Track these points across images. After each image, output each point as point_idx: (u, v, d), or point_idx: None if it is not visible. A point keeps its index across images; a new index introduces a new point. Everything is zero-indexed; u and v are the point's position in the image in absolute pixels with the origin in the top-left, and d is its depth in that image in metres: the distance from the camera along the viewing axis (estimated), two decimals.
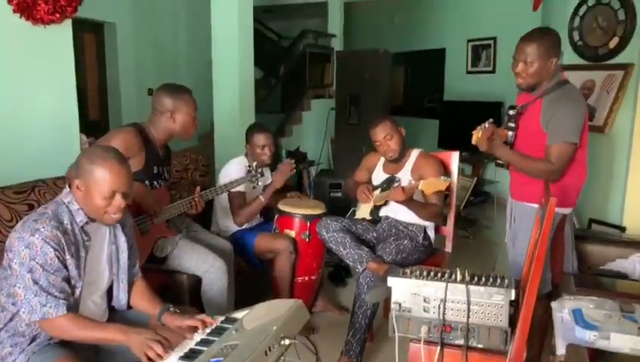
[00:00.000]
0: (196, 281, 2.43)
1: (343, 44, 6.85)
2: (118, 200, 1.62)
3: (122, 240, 1.80)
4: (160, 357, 1.48)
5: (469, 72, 6.59)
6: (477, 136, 2.20)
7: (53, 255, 1.54)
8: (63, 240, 1.56)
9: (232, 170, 2.87)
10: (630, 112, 3.57)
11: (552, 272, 2.24)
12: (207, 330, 1.67)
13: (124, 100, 5.56)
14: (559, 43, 2.19)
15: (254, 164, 2.75)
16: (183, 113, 2.37)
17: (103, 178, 1.58)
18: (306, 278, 2.95)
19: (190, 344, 1.60)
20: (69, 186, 1.67)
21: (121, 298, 1.84)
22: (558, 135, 2.10)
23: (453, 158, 2.84)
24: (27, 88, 2.50)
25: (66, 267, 1.58)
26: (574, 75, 2.28)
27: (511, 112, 2.31)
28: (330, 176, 4.82)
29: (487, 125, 2.21)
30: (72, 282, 1.61)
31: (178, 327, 1.68)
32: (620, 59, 3.73)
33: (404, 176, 2.70)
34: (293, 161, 3.00)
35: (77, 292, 1.63)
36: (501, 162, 2.40)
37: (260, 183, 2.77)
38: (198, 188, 2.51)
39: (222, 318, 1.75)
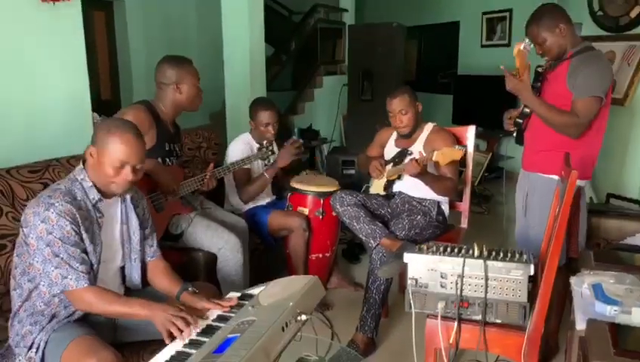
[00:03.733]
0: (212, 258, 2.44)
1: (355, 18, 6.72)
2: (127, 173, 1.62)
3: (134, 220, 1.80)
4: (181, 333, 1.49)
5: (483, 46, 6.46)
6: (519, 47, 2.18)
7: (70, 228, 1.55)
8: (77, 215, 1.57)
9: (237, 149, 2.86)
10: None
11: (568, 245, 2.22)
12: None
13: (135, 79, 5.54)
14: (556, 11, 2.23)
15: (264, 141, 2.72)
16: (188, 83, 2.37)
17: (115, 147, 1.59)
18: (320, 255, 2.95)
19: (207, 320, 1.60)
20: (83, 163, 1.67)
21: (134, 278, 1.85)
22: (585, 90, 2.10)
23: (470, 132, 2.80)
24: (38, 67, 2.48)
25: (82, 241, 1.59)
26: (595, 46, 2.24)
27: (539, 69, 2.31)
28: (343, 153, 4.79)
29: (528, 45, 2.19)
30: (88, 257, 1.62)
31: (195, 309, 1.68)
32: None
33: (417, 150, 2.65)
34: (299, 141, 2.94)
35: (94, 267, 1.64)
36: (520, 120, 2.35)
37: (271, 160, 2.76)
38: (212, 164, 2.52)
39: (238, 294, 1.75)
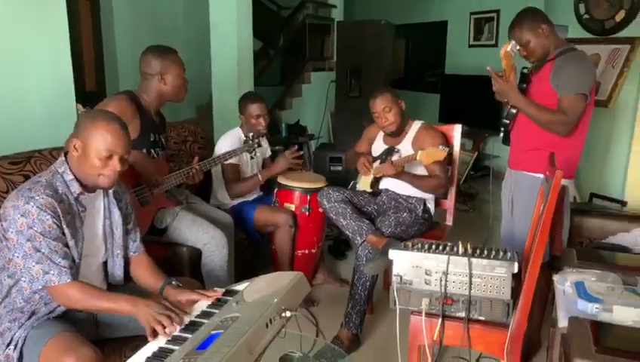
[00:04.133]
0: (196, 253, 2.42)
1: (344, 15, 6.71)
2: (115, 163, 1.60)
3: (117, 215, 1.77)
4: (166, 333, 1.47)
5: (471, 46, 6.49)
6: (506, 49, 2.20)
7: (51, 222, 1.52)
8: (58, 209, 1.54)
9: (226, 143, 2.84)
10: (635, 87, 3.53)
11: (551, 243, 2.24)
12: (208, 302, 1.66)
13: (121, 70, 5.47)
14: (537, 12, 2.29)
15: (251, 134, 2.71)
16: (173, 74, 2.34)
17: (102, 138, 1.56)
18: (306, 251, 2.95)
19: (191, 316, 1.59)
20: (65, 155, 1.64)
21: (116, 274, 1.82)
22: (570, 87, 2.13)
23: (456, 131, 2.81)
24: (20, 57, 2.43)
25: (64, 235, 1.56)
26: (580, 49, 2.28)
27: (525, 70, 2.33)
28: (331, 150, 4.78)
29: (515, 47, 2.20)
30: (70, 252, 1.59)
31: (179, 301, 1.67)
32: (626, 32, 3.66)
33: (405, 148, 2.67)
34: (300, 153, 2.96)
35: (76, 262, 1.61)
36: (507, 121, 2.37)
37: (257, 154, 2.74)
38: (197, 157, 2.49)
39: (222, 290, 1.74)
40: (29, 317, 1.59)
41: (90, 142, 1.57)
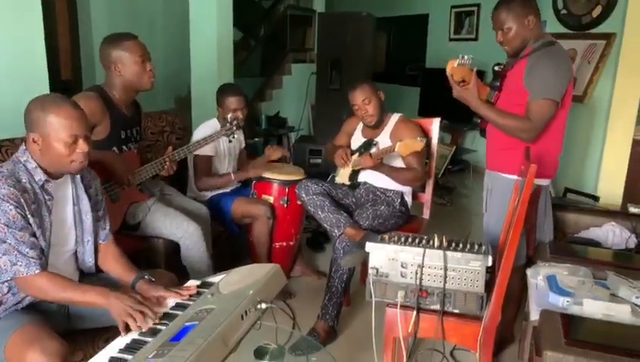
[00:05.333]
0: (172, 246, 2.39)
1: (325, 6, 6.68)
2: (82, 145, 1.56)
3: (85, 201, 1.73)
4: (139, 328, 1.44)
5: (451, 39, 6.53)
6: (452, 65, 2.09)
7: (15, 212, 1.48)
8: (22, 199, 1.50)
9: (203, 133, 2.80)
10: (609, 83, 3.60)
11: (528, 244, 2.27)
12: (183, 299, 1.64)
13: (97, 59, 5.36)
14: (529, 0, 2.14)
15: (229, 115, 2.66)
16: (128, 61, 2.20)
17: (61, 124, 1.52)
18: (284, 244, 2.94)
19: (166, 308, 1.57)
20: (25, 143, 1.59)
21: (87, 261, 1.78)
22: (539, 91, 2.04)
23: (434, 124, 2.83)
24: None
25: (29, 225, 1.52)
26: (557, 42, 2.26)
27: (497, 68, 2.27)
28: (310, 142, 4.77)
29: (466, 58, 2.07)
30: (38, 242, 1.55)
31: (151, 298, 1.64)
32: (602, 28, 3.73)
33: (383, 140, 2.68)
34: (288, 154, 2.96)
35: (44, 252, 1.58)
36: (478, 120, 2.33)
37: (235, 136, 2.68)
38: (170, 147, 2.42)
39: (198, 282, 1.73)
40: None
41: (49, 132, 1.52)
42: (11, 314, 1.56)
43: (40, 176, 1.57)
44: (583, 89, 3.76)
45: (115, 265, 1.80)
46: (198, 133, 2.83)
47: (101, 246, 1.83)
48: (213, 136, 2.60)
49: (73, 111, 1.55)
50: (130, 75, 2.24)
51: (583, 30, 3.84)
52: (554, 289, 1.67)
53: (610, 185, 3.54)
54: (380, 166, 2.55)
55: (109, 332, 1.65)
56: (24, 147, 1.59)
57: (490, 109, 2.16)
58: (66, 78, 5.27)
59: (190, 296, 1.63)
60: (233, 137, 2.67)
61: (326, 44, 4.91)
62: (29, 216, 1.52)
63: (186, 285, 1.72)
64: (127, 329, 1.46)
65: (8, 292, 1.57)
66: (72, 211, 1.72)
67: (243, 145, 3.14)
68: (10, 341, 1.45)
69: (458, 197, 5.08)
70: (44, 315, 1.59)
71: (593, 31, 3.78)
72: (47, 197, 1.60)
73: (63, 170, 1.61)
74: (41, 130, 1.53)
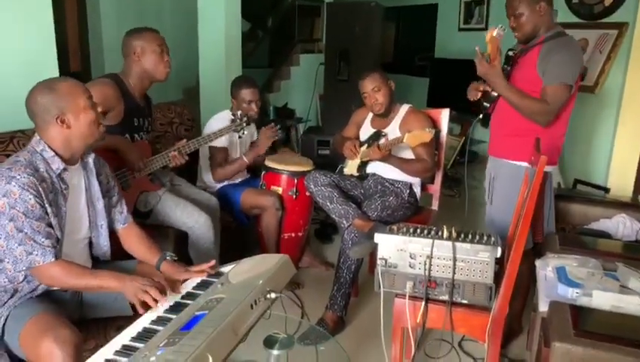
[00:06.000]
0: (183, 235, 2.41)
1: None
2: (98, 113, 1.66)
3: (96, 187, 1.76)
4: (155, 301, 1.48)
5: (460, 29, 6.46)
6: (492, 33, 2.12)
7: (34, 201, 1.50)
8: (40, 188, 1.52)
9: (216, 126, 2.81)
10: (621, 73, 3.55)
11: (534, 229, 2.26)
12: (199, 280, 1.67)
13: (106, 50, 5.37)
14: None
15: (239, 112, 2.67)
16: (147, 50, 2.30)
17: (78, 97, 1.59)
18: (293, 235, 2.95)
19: (176, 297, 1.59)
20: (38, 133, 1.61)
21: (102, 245, 1.81)
22: (555, 76, 2.08)
23: (443, 115, 2.82)
24: (2, 37, 2.38)
25: (46, 214, 1.55)
26: (568, 34, 2.24)
27: (510, 53, 2.28)
28: (319, 133, 4.77)
29: (502, 30, 2.11)
30: (53, 231, 1.57)
31: (175, 281, 1.67)
32: (614, 17, 3.68)
33: (392, 131, 2.67)
34: (277, 127, 2.93)
35: (59, 241, 1.60)
36: (487, 104, 2.34)
37: (245, 132, 2.70)
38: (184, 140, 2.45)
39: (214, 263, 1.75)
40: (12, 296, 1.58)
41: (73, 107, 1.57)
42: (25, 303, 1.58)
43: (58, 164, 1.59)
44: (594, 79, 3.72)
45: (138, 245, 1.84)
46: (211, 125, 2.84)
47: (123, 231, 1.86)
48: (223, 130, 2.61)
49: (76, 84, 1.63)
50: (149, 63, 2.31)
51: (594, 19, 3.79)
52: (563, 280, 1.67)
53: (621, 177, 3.50)
54: (388, 157, 2.55)
55: (120, 321, 1.68)
56: (38, 137, 1.61)
57: (511, 90, 2.17)
58: (74, 69, 5.29)
59: (201, 282, 1.66)
60: (243, 133, 2.69)
61: (334, 34, 4.89)
62: (46, 205, 1.54)
63: (201, 267, 1.74)
64: (145, 307, 1.48)
65: (23, 280, 1.59)
66: (85, 198, 1.74)
67: (255, 136, 3.15)
68: (25, 329, 1.48)
69: (467, 189, 5.05)
70: (58, 304, 1.61)
71: (605, 20, 3.73)
72: (63, 186, 1.62)
73: (93, 140, 1.65)
74: (66, 109, 1.57)
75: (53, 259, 1.52)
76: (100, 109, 1.67)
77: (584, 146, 3.83)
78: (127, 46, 2.32)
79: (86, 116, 1.60)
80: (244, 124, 2.64)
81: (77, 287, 1.62)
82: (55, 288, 1.65)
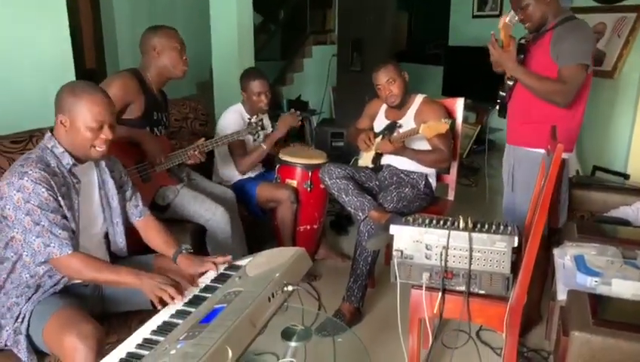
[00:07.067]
0: (200, 229, 2.44)
1: None
2: (106, 132, 1.61)
3: (110, 184, 1.79)
4: (172, 299, 1.50)
5: (474, 17, 6.38)
6: (504, 21, 2.11)
7: (47, 194, 1.52)
8: (52, 182, 1.55)
9: (229, 119, 2.83)
10: None
11: (550, 216, 2.24)
12: (215, 274, 1.69)
13: (120, 46, 5.42)
14: None
15: (254, 117, 2.69)
16: (167, 47, 2.34)
17: (89, 110, 1.58)
18: (308, 227, 2.96)
19: (194, 290, 1.61)
20: (51, 131, 1.64)
21: (119, 241, 1.84)
22: (570, 57, 2.07)
23: (458, 105, 2.79)
24: (17, 35, 2.41)
25: (60, 207, 1.57)
26: (585, 18, 2.22)
27: (522, 41, 2.27)
28: (332, 125, 4.76)
29: (515, 18, 2.12)
30: (69, 223, 1.60)
31: (191, 275, 1.70)
32: (633, 0, 3.60)
33: (407, 122, 2.66)
34: (298, 113, 2.93)
35: (75, 234, 1.63)
36: (503, 93, 2.33)
37: (260, 137, 2.73)
38: (203, 139, 2.48)
39: (225, 266, 1.76)
40: (36, 291, 1.62)
41: (77, 115, 1.58)
42: (48, 299, 1.61)
43: (68, 160, 1.62)
44: (612, 64, 3.65)
45: (156, 238, 1.86)
46: (224, 119, 2.88)
47: (140, 223, 1.88)
48: (240, 132, 2.65)
49: (102, 98, 1.61)
50: (167, 59, 2.35)
51: (612, 3, 3.72)
52: (582, 269, 1.65)
53: None
54: (402, 150, 2.54)
55: (142, 315, 1.71)
56: (49, 134, 1.64)
57: (527, 73, 2.16)
58: (90, 66, 5.35)
59: (219, 276, 1.68)
60: (258, 137, 2.71)
61: (346, 24, 4.87)
62: (59, 198, 1.57)
63: (216, 260, 1.76)
64: (163, 304, 1.51)
65: (44, 274, 1.62)
66: (99, 195, 1.77)
67: (270, 129, 3.16)
68: (48, 325, 1.51)
69: (483, 178, 5.01)
70: (80, 299, 1.65)
71: (623, 3, 3.65)
72: (74, 180, 1.64)
73: (84, 154, 1.65)
74: (70, 113, 1.58)
75: (70, 251, 1.55)
76: (103, 136, 1.61)
77: (603, 132, 3.76)
78: (146, 43, 2.35)
79: (84, 133, 1.59)
80: (259, 128, 2.66)
81: (96, 280, 1.65)
82: (76, 281, 1.69)
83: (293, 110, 2.95)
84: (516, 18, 2.14)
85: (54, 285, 1.65)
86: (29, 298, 1.61)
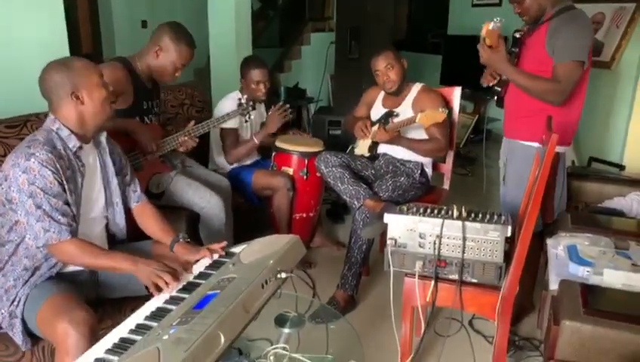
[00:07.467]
0: (195, 216, 2.44)
1: None
2: (108, 87, 1.69)
3: (109, 165, 1.79)
4: (168, 286, 1.51)
5: (474, 5, 6.34)
6: (487, 28, 2.07)
7: (52, 178, 1.53)
8: (58, 165, 1.54)
9: (226, 106, 2.82)
10: (638, 48, 3.47)
11: (544, 212, 2.24)
12: (210, 261, 1.70)
13: (117, 32, 5.38)
14: None
15: (245, 97, 2.68)
16: (170, 58, 2.30)
17: (92, 76, 1.63)
18: (304, 215, 2.97)
19: (188, 277, 1.62)
20: (53, 114, 1.63)
21: (118, 221, 1.84)
22: (565, 53, 2.02)
23: (455, 94, 2.78)
24: (11, 18, 2.39)
25: (64, 191, 1.57)
26: (584, 8, 2.17)
27: (517, 35, 2.23)
28: (330, 114, 4.75)
29: (498, 22, 2.06)
30: (70, 208, 1.60)
31: (187, 262, 1.70)
32: None
33: (404, 111, 2.65)
34: (287, 106, 2.91)
35: (75, 218, 1.63)
36: (499, 88, 2.32)
37: (251, 117, 2.72)
38: (192, 121, 2.47)
39: (224, 243, 1.77)
40: (32, 274, 1.62)
41: (87, 83, 1.60)
42: (44, 283, 1.62)
43: (74, 142, 1.62)
44: (610, 54, 3.63)
45: (153, 224, 1.86)
46: (221, 106, 2.86)
47: (137, 209, 1.89)
48: (230, 114, 2.64)
49: (84, 60, 1.67)
50: (162, 68, 2.33)
51: None
52: (574, 259, 1.67)
53: (637, 154, 3.44)
54: (397, 139, 2.54)
55: (136, 301, 1.71)
56: (52, 116, 1.63)
57: (520, 73, 2.13)
58: (86, 51, 5.32)
59: (213, 263, 1.68)
60: (249, 117, 2.70)
61: (345, 11, 4.83)
62: (64, 182, 1.56)
63: (211, 246, 1.77)
64: (159, 290, 1.51)
65: (42, 258, 1.62)
66: (100, 176, 1.77)
67: (265, 117, 3.15)
68: (41, 311, 1.52)
69: (480, 167, 5.01)
70: (74, 285, 1.65)
71: None
72: (79, 163, 1.65)
73: (104, 118, 1.68)
74: (80, 86, 1.60)
75: (69, 237, 1.55)
76: (111, 88, 1.69)
77: (600, 123, 3.76)
78: (158, 37, 2.30)
79: (100, 93, 1.63)
80: (250, 109, 2.66)
81: (92, 266, 1.65)
82: (71, 268, 1.69)
83: (281, 104, 2.92)
84: (499, 24, 2.06)
85: (51, 268, 1.65)
86: (26, 281, 1.61)
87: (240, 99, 2.68)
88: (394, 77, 2.61)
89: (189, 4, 5.45)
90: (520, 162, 2.19)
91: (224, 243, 1.76)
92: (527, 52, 2.18)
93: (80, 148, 1.64)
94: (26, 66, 2.45)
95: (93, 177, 1.75)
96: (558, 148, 2.16)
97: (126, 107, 2.26)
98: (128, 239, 1.90)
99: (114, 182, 1.80)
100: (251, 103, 2.65)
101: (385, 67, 2.60)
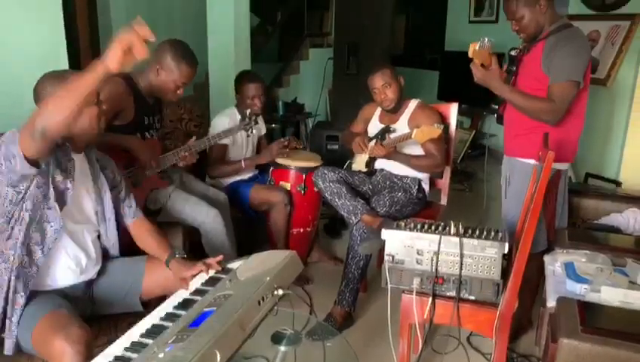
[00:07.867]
0: (193, 231, 2.43)
1: None
2: (102, 105, 1.67)
3: (102, 179, 1.78)
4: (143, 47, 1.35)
5: (471, 22, 6.41)
6: (474, 48, 2.05)
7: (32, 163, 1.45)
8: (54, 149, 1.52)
9: (221, 122, 2.82)
10: (634, 65, 3.50)
11: (549, 229, 2.24)
12: (206, 277, 1.68)
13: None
14: None
15: (248, 111, 2.69)
16: (171, 77, 2.27)
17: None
18: (301, 230, 2.96)
19: (184, 294, 1.61)
20: None
21: (109, 236, 1.82)
22: (560, 73, 2.02)
23: (452, 110, 2.80)
24: (12, 35, 2.40)
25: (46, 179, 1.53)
26: (579, 25, 2.19)
27: (513, 53, 2.24)
28: (328, 128, 4.76)
29: (487, 41, 2.04)
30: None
31: (183, 279, 1.70)
32: (627, 9, 3.62)
33: (401, 127, 2.67)
34: (287, 142, 2.92)
35: (68, 196, 1.60)
36: (496, 106, 2.33)
37: (253, 132, 2.72)
38: (194, 137, 2.47)
39: (220, 258, 1.77)
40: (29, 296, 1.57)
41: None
42: (37, 301, 1.59)
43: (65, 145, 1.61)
44: (606, 72, 3.66)
45: (150, 240, 1.85)
46: (217, 122, 2.86)
47: (133, 225, 1.88)
48: (232, 129, 2.64)
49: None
50: (163, 85, 2.30)
51: (606, 11, 3.73)
52: (571, 276, 1.66)
53: (633, 170, 3.45)
54: (394, 154, 2.55)
55: (131, 318, 1.70)
56: None
57: (514, 92, 2.13)
58: (85, 64, 5.32)
59: (209, 279, 1.67)
60: (251, 132, 2.71)
61: (343, 27, 4.88)
62: (51, 167, 1.53)
63: (207, 261, 1.76)
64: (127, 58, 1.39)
65: (41, 254, 1.59)
66: (93, 189, 1.75)
67: (263, 131, 3.16)
68: (37, 328, 1.50)
69: (478, 183, 5.02)
70: (69, 301, 1.63)
71: (617, 12, 3.67)
72: (66, 157, 1.62)
73: (90, 133, 1.64)
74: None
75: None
76: (104, 107, 1.66)
77: (596, 140, 3.78)
78: (159, 55, 2.27)
79: (90, 110, 1.59)
80: (253, 123, 2.66)
81: (70, 98, 1.38)
82: (65, 283, 1.67)
83: (282, 139, 2.93)
84: (487, 43, 2.05)
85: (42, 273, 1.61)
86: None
87: (243, 114, 2.68)
88: (391, 95, 2.63)
89: (189, 19, 5.49)
90: (519, 180, 2.20)
91: (220, 257, 1.75)
92: (523, 69, 2.19)
93: (67, 146, 1.62)
94: (25, 82, 2.46)
95: (82, 184, 1.71)
96: (558, 166, 2.17)
97: (127, 122, 2.26)
98: (122, 254, 1.89)
99: (106, 197, 1.79)
100: (254, 118, 2.66)
101: (382, 85, 2.61)
